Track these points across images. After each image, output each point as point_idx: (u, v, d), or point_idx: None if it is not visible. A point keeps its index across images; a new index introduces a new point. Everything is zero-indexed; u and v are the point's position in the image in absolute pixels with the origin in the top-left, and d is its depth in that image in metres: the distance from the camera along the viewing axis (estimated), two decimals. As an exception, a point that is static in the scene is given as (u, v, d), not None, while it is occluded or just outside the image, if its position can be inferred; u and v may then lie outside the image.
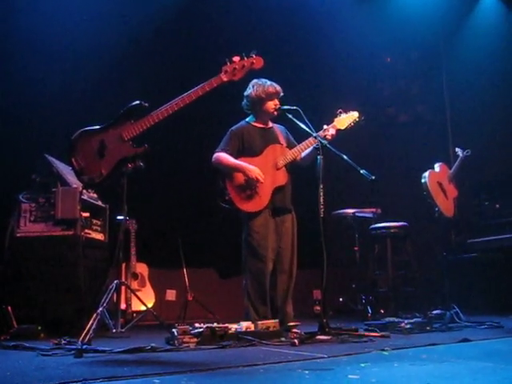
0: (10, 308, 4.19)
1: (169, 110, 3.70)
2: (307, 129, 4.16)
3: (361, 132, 5.18)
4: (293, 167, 4.49)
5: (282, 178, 4.39)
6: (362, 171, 3.93)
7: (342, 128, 4.42)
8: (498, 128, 7.15)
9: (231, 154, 4.35)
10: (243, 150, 4.41)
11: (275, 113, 4.42)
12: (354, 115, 4.48)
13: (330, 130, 4.33)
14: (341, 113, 4.46)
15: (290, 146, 4.48)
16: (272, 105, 4.40)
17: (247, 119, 4.56)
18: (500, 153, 7.07)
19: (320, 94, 7.74)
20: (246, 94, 4.48)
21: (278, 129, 4.59)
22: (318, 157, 3.99)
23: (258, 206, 4.30)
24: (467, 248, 6.56)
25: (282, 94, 4.44)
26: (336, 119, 4.44)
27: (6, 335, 3.97)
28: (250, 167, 4.27)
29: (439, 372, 2.43)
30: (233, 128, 4.50)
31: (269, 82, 4.42)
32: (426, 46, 7.90)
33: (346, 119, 4.45)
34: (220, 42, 6.58)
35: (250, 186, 4.27)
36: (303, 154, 4.44)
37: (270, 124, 4.58)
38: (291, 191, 4.51)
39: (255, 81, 4.43)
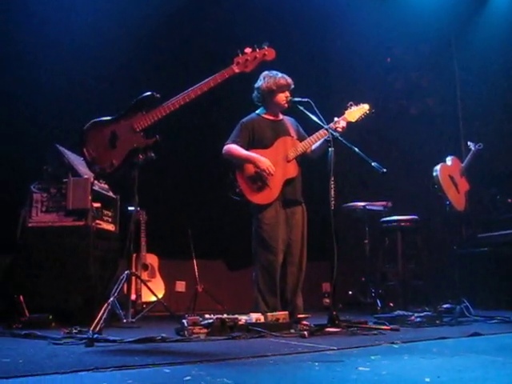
0: (21, 297, 4.23)
1: (180, 101, 3.70)
2: (318, 121, 4.14)
3: (372, 125, 5.16)
4: (303, 159, 4.49)
5: (292, 171, 4.38)
6: (373, 164, 3.92)
7: (353, 120, 4.41)
8: (510, 121, 7.09)
9: (242, 146, 4.34)
10: (253, 142, 4.40)
11: (286, 105, 4.41)
12: (364, 108, 4.46)
13: (340, 123, 4.32)
14: (351, 105, 4.45)
15: (301, 139, 4.47)
16: (283, 97, 4.39)
17: (258, 111, 4.55)
18: (512, 146, 7.01)
19: (331, 86, 7.72)
20: (256, 85, 4.47)
21: (289, 121, 4.58)
22: (330, 149, 3.98)
23: (269, 198, 4.30)
24: (478, 242, 6.52)
25: (292, 86, 4.42)
26: (347, 112, 4.42)
27: (18, 324, 4.01)
28: (261, 158, 4.26)
29: (449, 365, 2.43)
30: (243, 120, 4.49)
31: (280, 74, 4.40)
32: (437, 39, 7.83)
33: (357, 112, 4.43)
34: (232, 34, 6.56)
35: (260, 178, 4.27)
36: (314, 147, 4.43)
37: (281, 116, 4.56)
38: (301, 183, 4.50)
39: (266, 73, 4.42)
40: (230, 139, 4.41)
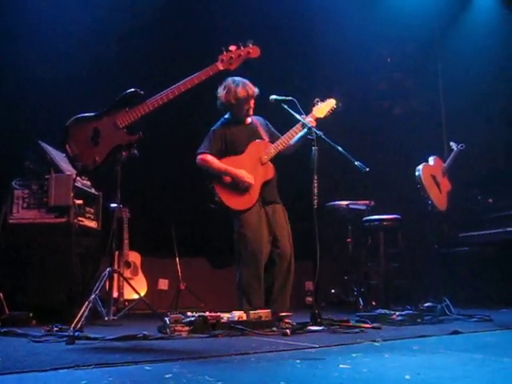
0: (1, 294, 4.19)
1: (164, 98, 3.68)
2: (302, 119, 4.17)
3: (355, 124, 5.18)
4: (278, 157, 4.48)
5: (268, 173, 4.39)
6: (356, 163, 3.94)
7: (322, 116, 4.44)
8: (492, 122, 7.17)
9: (215, 155, 4.35)
10: (226, 149, 4.40)
11: (249, 114, 4.43)
12: (331, 103, 4.51)
13: (309, 120, 4.30)
14: (318, 102, 4.49)
15: (272, 137, 4.48)
16: (243, 109, 4.39)
17: (226, 116, 4.52)
18: (494, 147, 7.09)
19: (315, 85, 7.72)
20: (217, 94, 4.43)
21: (258, 121, 4.56)
22: (313, 148, 4.00)
23: (248, 203, 4.31)
24: (459, 242, 6.59)
25: (256, 94, 4.37)
26: (314, 108, 4.45)
27: (-2, 321, 3.97)
28: (238, 172, 4.27)
29: (430, 363, 2.45)
30: (214, 128, 4.47)
31: (241, 85, 4.33)
32: (421, 39, 7.89)
33: (325, 107, 4.47)
34: (216, 31, 6.54)
35: (238, 186, 4.28)
36: (292, 142, 4.42)
37: (249, 119, 4.54)
38: (278, 183, 4.51)
39: (228, 81, 4.36)
40: (202, 148, 4.39)
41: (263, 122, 4.59)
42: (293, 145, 4.41)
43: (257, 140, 4.43)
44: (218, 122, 4.51)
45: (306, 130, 4.17)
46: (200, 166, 4.38)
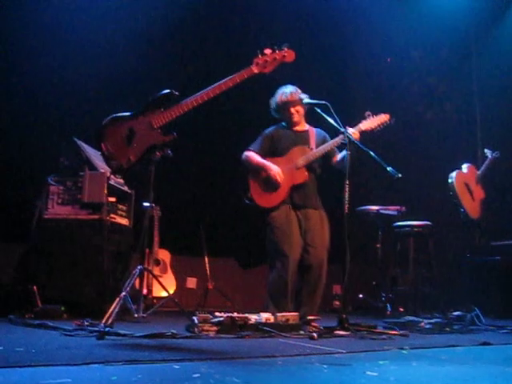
0: (35, 287, 4.28)
1: (199, 99, 3.71)
2: (335, 124, 4.13)
3: (388, 129, 5.11)
4: (326, 167, 4.49)
5: (300, 177, 4.38)
6: (388, 168, 3.91)
7: (369, 129, 4.36)
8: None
9: (259, 154, 4.44)
10: (273, 151, 4.48)
11: (294, 119, 4.46)
12: (384, 117, 4.38)
13: (352, 132, 4.25)
14: (369, 115, 4.39)
15: None
16: (286, 115, 4.47)
17: (283, 122, 4.61)
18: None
19: (348, 89, 7.69)
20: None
21: (315, 132, 4.55)
22: (346, 152, 3.99)
23: (273, 201, 4.35)
24: (491, 250, 6.48)
25: (297, 99, 4.39)
26: (364, 121, 4.37)
27: (31, 314, 4.06)
28: (272, 166, 4.33)
29: (458, 374, 2.42)
30: (266, 130, 4.59)
31: (281, 92, 4.45)
32: (456, 44, 7.79)
33: (375, 122, 4.36)
34: (252, 34, 6.58)
35: (270, 183, 4.32)
36: (339, 158, 4.40)
37: (306, 127, 4.56)
38: (317, 191, 4.50)
39: (280, 89, 4.48)
40: (250, 146, 4.52)
41: (321, 134, 4.55)
42: (339, 161, 4.40)
43: (303, 146, 4.45)
44: (273, 126, 4.62)
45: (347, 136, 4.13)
46: (241, 162, 4.50)
